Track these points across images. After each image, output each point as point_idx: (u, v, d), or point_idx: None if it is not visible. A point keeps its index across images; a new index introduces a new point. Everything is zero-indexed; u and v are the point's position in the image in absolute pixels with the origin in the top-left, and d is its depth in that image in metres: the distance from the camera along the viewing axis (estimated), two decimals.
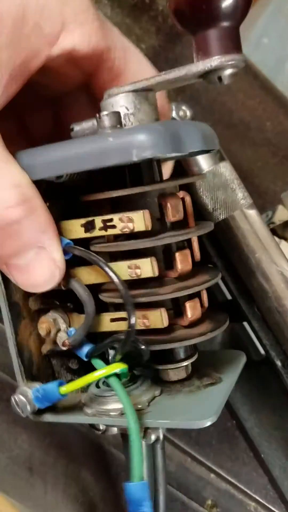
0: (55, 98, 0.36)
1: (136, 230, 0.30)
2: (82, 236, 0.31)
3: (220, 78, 0.30)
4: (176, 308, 0.33)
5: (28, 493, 0.41)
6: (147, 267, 0.30)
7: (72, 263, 0.32)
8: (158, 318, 0.31)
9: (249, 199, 0.45)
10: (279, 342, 0.45)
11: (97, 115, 0.30)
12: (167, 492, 0.37)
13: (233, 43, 0.29)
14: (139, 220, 0.30)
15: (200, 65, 0.28)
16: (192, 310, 0.32)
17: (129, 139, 0.27)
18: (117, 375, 0.31)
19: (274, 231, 0.48)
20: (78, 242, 0.31)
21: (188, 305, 0.32)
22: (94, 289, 0.33)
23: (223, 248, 0.46)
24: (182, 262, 0.31)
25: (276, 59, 0.62)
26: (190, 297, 0.32)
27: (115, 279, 0.29)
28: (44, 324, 0.33)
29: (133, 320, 0.29)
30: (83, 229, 0.31)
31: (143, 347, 0.30)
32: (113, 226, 0.30)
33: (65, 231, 0.32)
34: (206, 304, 0.34)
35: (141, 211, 0.30)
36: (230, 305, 0.48)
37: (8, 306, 0.32)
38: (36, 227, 0.28)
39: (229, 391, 0.33)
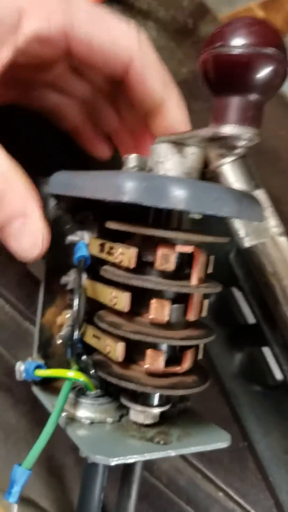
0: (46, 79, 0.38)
1: (123, 263, 0.32)
2: (96, 254, 0.36)
3: (230, 148, 0.29)
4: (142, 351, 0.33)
5: None
6: (121, 300, 0.32)
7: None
8: (115, 350, 0.33)
9: (281, 228, 0.44)
10: None
11: (125, 156, 0.33)
12: None
13: (253, 116, 0.27)
14: (127, 257, 0.32)
15: (210, 131, 0.28)
16: (151, 360, 0.32)
17: (112, 181, 0.30)
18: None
19: None
20: (98, 260, 0.36)
21: (148, 353, 0.32)
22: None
23: (251, 272, 0.46)
24: (155, 310, 0.32)
25: None
26: (155, 346, 0.32)
27: (74, 303, 0.33)
28: (62, 317, 0.39)
29: (75, 335, 0.32)
30: (98, 248, 0.36)
31: (91, 370, 0.33)
32: (113, 254, 0.34)
33: (90, 246, 0.37)
34: (185, 363, 0.33)
35: (131, 248, 0.32)
36: (252, 328, 0.49)
37: (45, 290, 0.39)
38: (17, 198, 0.32)
39: (157, 455, 0.32)
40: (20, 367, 0.38)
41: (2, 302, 0.44)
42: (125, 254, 0.32)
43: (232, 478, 0.50)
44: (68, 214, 0.39)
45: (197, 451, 0.33)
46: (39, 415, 0.41)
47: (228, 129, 0.27)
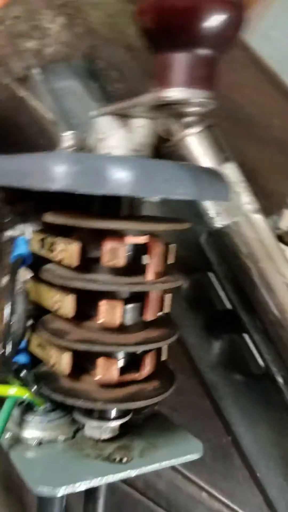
0: None
1: (65, 262, 0.28)
2: (37, 251, 0.31)
3: (178, 114, 0.23)
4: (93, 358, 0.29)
5: None
6: (64, 305, 0.28)
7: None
8: (60, 363, 0.28)
9: (255, 204, 0.40)
10: (281, 357, 0.43)
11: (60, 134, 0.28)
12: None
13: (204, 76, 0.22)
14: (69, 253, 0.27)
15: (152, 96, 0.23)
16: (102, 370, 0.28)
17: (37, 166, 0.25)
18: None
19: (280, 238, 0.43)
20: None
21: (99, 362, 0.28)
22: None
23: (224, 255, 0.42)
24: (105, 312, 0.27)
25: (285, 53, 0.51)
26: (108, 354, 0.28)
27: (5, 311, 0.28)
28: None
29: (7, 350, 0.28)
30: (39, 244, 0.31)
31: (33, 389, 0.29)
32: (54, 251, 0.29)
33: (32, 242, 0.32)
34: (145, 368, 0.29)
35: (74, 245, 0.27)
36: (229, 315, 0.45)
37: None
38: None
39: (115, 478, 0.28)
40: None
41: None
42: (67, 251, 0.27)
43: (216, 477, 0.46)
44: (6, 206, 0.34)
45: (162, 467, 0.29)
46: None
47: (173, 93, 0.22)
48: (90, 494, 0.34)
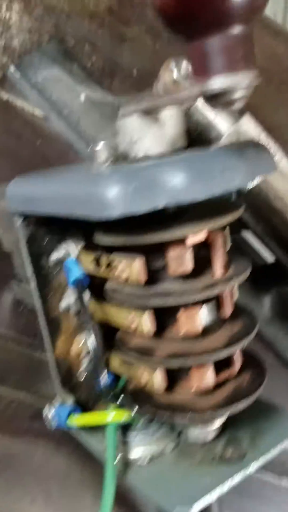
0: None
1: (130, 279, 0.26)
2: (91, 272, 0.29)
3: (225, 104, 0.21)
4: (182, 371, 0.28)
5: None
6: (143, 324, 0.26)
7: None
8: (153, 381, 0.27)
9: (279, 153, 0.39)
10: None
11: (92, 147, 0.25)
12: None
13: (244, 55, 0.20)
14: (133, 271, 0.26)
15: (194, 90, 0.21)
16: (198, 380, 0.27)
17: (90, 193, 0.23)
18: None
19: None
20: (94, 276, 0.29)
21: (193, 373, 0.27)
22: None
23: (259, 212, 0.41)
24: (185, 323, 0.26)
25: None
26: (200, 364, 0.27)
27: (91, 344, 0.27)
28: (75, 345, 0.34)
29: (103, 375, 0.27)
30: (93, 264, 0.29)
31: (133, 410, 0.28)
32: (114, 270, 0.27)
33: (82, 261, 0.30)
34: (235, 365, 0.28)
35: (135, 259, 0.25)
36: (274, 268, 0.45)
37: (46, 321, 0.33)
38: None
39: (239, 479, 0.27)
40: (49, 414, 0.33)
41: (3, 341, 0.38)
42: (131, 268, 0.26)
43: None
44: (41, 227, 0.32)
45: (278, 452, 0.29)
46: (85, 452, 0.37)
47: (218, 83, 0.20)
48: None
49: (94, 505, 0.35)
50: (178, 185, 0.22)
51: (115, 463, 0.28)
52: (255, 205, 0.41)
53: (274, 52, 0.57)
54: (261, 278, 0.49)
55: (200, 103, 0.38)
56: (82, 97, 0.45)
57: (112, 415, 0.29)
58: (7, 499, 0.34)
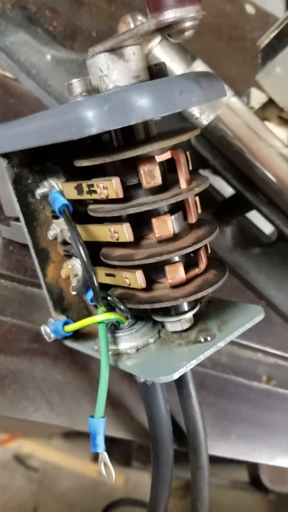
0: None
1: (110, 197, 0.31)
2: (75, 198, 0.34)
3: (178, 32, 0.26)
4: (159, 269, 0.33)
5: None
6: (122, 233, 0.32)
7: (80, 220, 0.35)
8: (135, 280, 0.32)
9: (230, 90, 0.43)
10: None
11: (67, 83, 0.30)
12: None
13: None
14: (111, 188, 0.31)
15: (152, 23, 0.26)
16: (171, 274, 0.32)
17: (70, 117, 0.27)
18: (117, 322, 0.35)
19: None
20: (76, 202, 0.34)
21: (167, 269, 0.32)
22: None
23: (217, 149, 0.46)
24: (159, 228, 0.32)
25: None
26: (171, 261, 0.33)
27: (81, 254, 0.32)
28: (65, 269, 0.39)
29: (95, 282, 0.32)
30: (76, 191, 0.34)
31: (121, 306, 0.33)
32: (95, 191, 0.32)
33: (64, 192, 0.35)
34: (202, 262, 0.34)
35: (112, 179, 0.30)
36: (234, 200, 0.51)
37: (36, 252, 0.38)
38: None
39: (210, 352, 0.33)
40: (47, 330, 0.38)
41: None
42: (109, 187, 0.31)
43: (265, 337, 0.53)
44: (24, 168, 0.36)
45: (240, 333, 0.35)
46: (81, 363, 0.42)
47: (170, 15, 0.25)
48: (181, 380, 0.40)
49: (91, 409, 0.41)
50: (144, 104, 0.27)
51: (107, 353, 0.33)
52: (212, 142, 0.46)
53: (222, 10, 0.62)
54: (223, 211, 0.54)
55: (157, 50, 0.43)
56: (48, 57, 0.49)
57: (102, 316, 0.34)
58: (15, 410, 0.39)
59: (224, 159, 0.47)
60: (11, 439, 1.59)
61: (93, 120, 0.26)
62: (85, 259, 0.32)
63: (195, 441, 0.42)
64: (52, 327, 0.38)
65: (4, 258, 0.43)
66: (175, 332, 0.36)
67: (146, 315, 0.37)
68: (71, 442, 1.64)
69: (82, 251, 0.32)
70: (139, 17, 0.44)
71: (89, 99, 0.28)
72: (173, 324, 0.35)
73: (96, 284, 0.32)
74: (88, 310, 0.41)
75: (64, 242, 0.38)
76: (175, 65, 0.42)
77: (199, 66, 0.43)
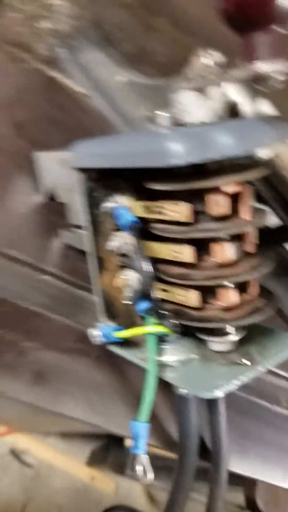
0: None
1: (178, 220, 0.34)
2: (141, 216, 0.37)
3: (270, 83, 0.29)
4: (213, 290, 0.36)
5: None
6: (186, 254, 0.34)
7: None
8: (190, 299, 0.35)
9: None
10: None
11: (154, 113, 0.33)
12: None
13: (281, 48, 0.28)
14: (181, 212, 0.33)
15: (248, 72, 0.29)
16: (225, 298, 0.35)
17: (158, 147, 0.30)
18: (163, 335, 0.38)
19: None
20: (142, 219, 0.37)
21: (221, 292, 0.35)
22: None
23: (271, 182, 0.44)
24: (219, 253, 0.34)
25: None
26: (226, 285, 0.35)
27: (145, 269, 0.34)
28: (118, 279, 0.41)
29: (152, 294, 0.35)
30: (143, 210, 0.37)
31: (171, 320, 0.36)
32: (163, 213, 0.35)
33: (132, 208, 0.38)
34: (254, 290, 0.36)
35: (184, 205, 0.33)
36: (281, 231, 0.48)
37: (93, 260, 0.41)
38: None
39: (251, 375, 0.36)
40: (94, 333, 0.41)
41: (52, 278, 0.45)
42: (179, 211, 0.33)
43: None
44: (96, 183, 0.39)
45: (281, 360, 0.37)
46: (120, 367, 0.45)
47: (264, 67, 0.28)
48: (212, 401, 0.43)
49: (127, 412, 0.44)
50: (229, 143, 0.29)
51: (156, 363, 0.36)
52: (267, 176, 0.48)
53: None
54: (265, 240, 0.56)
55: (229, 89, 0.46)
56: (120, 78, 0.52)
57: (152, 327, 0.37)
58: (57, 404, 0.42)
59: (277, 193, 0.49)
60: (9, 432, 1.62)
61: (179, 153, 0.29)
62: (148, 274, 0.35)
63: (217, 456, 0.44)
64: (102, 331, 0.40)
65: (61, 261, 0.46)
66: (218, 352, 0.38)
67: (190, 331, 0.39)
68: (67, 442, 1.65)
69: (146, 267, 0.35)
70: (215, 53, 0.47)
71: (177, 133, 0.31)
72: (218, 344, 0.38)
73: (153, 295, 0.35)
74: (132, 319, 0.44)
75: (122, 254, 0.41)
76: (245, 104, 0.45)
77: (265, 106, 0.45)
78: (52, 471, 1.64)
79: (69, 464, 1.65)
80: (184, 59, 0.55)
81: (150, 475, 0.34)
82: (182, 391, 0.36)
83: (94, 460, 1.63)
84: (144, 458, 0.35)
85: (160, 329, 0.37)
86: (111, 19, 0.57)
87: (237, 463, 0.48)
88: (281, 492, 1.09)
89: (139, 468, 0.34)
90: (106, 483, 1.66)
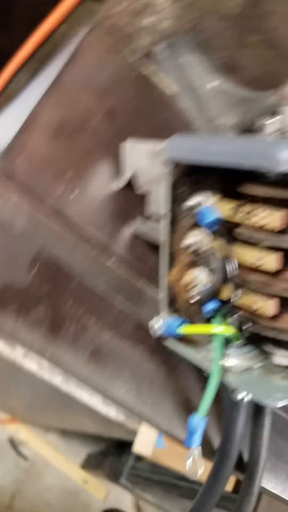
0: None
1: (269, 226, 0.34)
2: (227, 218, 0.37)
3: None
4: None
5: None
6: (270, 262, 0.34)
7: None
8: (266, 307, 0.35)
9: None
10: None
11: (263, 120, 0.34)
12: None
13: None
14: (275, 220, 0.34)
15: None
16: None
17: (264, 152, 0.31)
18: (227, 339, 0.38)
19: None
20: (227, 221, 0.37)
21: None
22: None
23: None
24: None
25: None
26: None
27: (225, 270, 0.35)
28: (187, 277, 0.41)
29: (233, 297, 0.35)
30: (231, 211, 0.37)
31: (239, 325, 0.36)
32: (254, 218, 0.35)
33: (219, 207, 0.38)
34: None
35: (278, 213, 0.33)
36: None
37: (165, 254, 0.41)
38: None
39: None
40: (156, 325, 0.41)
41: (116, 265, 0.45)
42: (271, 218, 0.33)
43: None
44: (184, 177, 0.39)
45: None
46: (172, 363, 0.45)
47: None
48: (262, 410, 0.42)
49: (172, 409, 0.43)
50: None
51: (220, 364, 0.36)
52: None
53: None
54: None
55: None
56: (211, 84, 0.53)
57: (221, 327, 0.37)
58: (110, 386, 0.42)
59: None
60: (12, 421, 1.62)
61: (281, 161, 0.30)
62: (224, 276, 0.35)
63: (254, 468, 0.43)
64: (164, 323, 0.41)
65: (128, 250, 0.46)
66: (280, 365, 0.38)
67: (255, 340, 0.39)
68: (65, 442, 1.65)
69: (223, 268, 0.35)
70: None
71: (285, 141, 0.31)
72: (282, 358, 0.38)
73: (225, 300, 0.35)
74: (192, 319, 0.44)
75: (195, 252, 0.41)
76: None
77: None
78: (46, 467, 1.64)
79: (64, 463, 1.64)
80: (272, 77, 0.56)
81: (201, 470, 0.34)
82: (241, 395, 0.35)
83: (89, 464, 1.62)
84: (197, 452, 0.34)
85: (228, 331, 0.37)
86: (210, 27, 0.58)
87: (267, 479, 0.47)
88: None
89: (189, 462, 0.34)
90: (97, 489, 1.65)
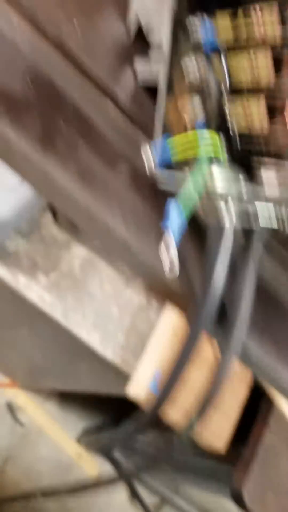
0: None
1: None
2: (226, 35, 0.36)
3: None
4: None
5: None
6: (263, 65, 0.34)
7: None
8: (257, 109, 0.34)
9: None
10: None
11: None
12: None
13: None
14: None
15: None
16: None
17: None
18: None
19: None
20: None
21: None
22: None
23: None
24: None
25: None
26: None
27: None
28: (185, 107, 0.41)
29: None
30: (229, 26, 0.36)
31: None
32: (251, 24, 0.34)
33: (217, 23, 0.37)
34: None
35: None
36: None
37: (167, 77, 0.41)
38: None
39: None
40: (149, 152, 0.40)
41: (114, 105, 0.45)
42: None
43: None
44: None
45: None
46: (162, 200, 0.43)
47: None
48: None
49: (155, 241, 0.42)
50: None
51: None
52: None
53: None
54: None
55: None
56: None
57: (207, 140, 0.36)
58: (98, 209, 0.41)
59: None
60: (11, 386, 1.62)
61: None
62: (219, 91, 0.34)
63: (231, 317, 0.41)
64: (156, 150, 0.40)
65: (128, 94, 0.46)
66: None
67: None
68: (64, 413, 1.63)
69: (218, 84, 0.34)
70: None
71: None
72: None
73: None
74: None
75: (193, 77, 0.40)
76: None
77: None
78: (42, 437, 1.62)
79: (59, 435, 1.63)
80: None
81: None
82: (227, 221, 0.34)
83: (84, 439, 1.61)
84: (170, 240, 0.33)
85: (215, 140, 0.36)
86: None
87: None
88: (270, 496, 1.03)
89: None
90: (90, 465, 1.63)
